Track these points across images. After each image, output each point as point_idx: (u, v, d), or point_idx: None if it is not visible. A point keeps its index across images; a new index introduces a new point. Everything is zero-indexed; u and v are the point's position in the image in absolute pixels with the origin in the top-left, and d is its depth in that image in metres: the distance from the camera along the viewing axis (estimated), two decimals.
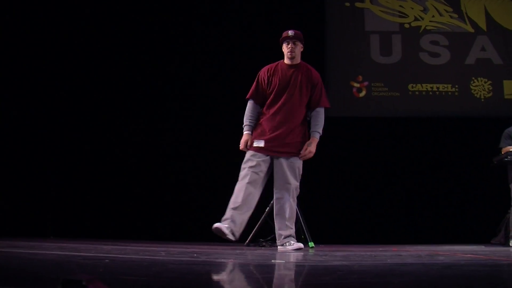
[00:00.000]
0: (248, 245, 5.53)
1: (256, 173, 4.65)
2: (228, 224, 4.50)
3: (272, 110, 4.77)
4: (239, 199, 4.57)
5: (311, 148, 4.74)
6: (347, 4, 7.60)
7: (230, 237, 4.48)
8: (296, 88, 4.78)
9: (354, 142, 7.27)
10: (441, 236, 6.79)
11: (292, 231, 4.73)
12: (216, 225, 4.47)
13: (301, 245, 4.74)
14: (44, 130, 7.09)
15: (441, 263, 3.03)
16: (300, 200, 5.44)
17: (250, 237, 5.57)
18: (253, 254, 3.91)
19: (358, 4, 7.60)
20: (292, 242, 4.67)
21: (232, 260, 3.22)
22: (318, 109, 4.84)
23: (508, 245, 5.86)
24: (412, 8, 7.60)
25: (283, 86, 4.78)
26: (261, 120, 4.81)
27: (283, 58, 4.90)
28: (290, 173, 4.69)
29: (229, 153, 5.30)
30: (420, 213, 7.01)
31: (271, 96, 4.80)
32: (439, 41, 7.54)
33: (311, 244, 5.28)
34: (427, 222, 6.97)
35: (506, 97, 7.40)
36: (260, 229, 5.50)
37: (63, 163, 7.10)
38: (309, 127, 4.88)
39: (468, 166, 7.06)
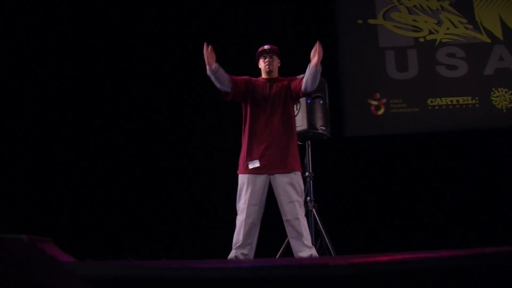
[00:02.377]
0: None
1: (254, 204, 4.49)
2: None
3: (258, 128, 4.59)
4: (240, 237, 4.48)
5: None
6: (360, 21, 7.47)
7: None
8: (279, 100, 4.61)
9: (375, 161, 7.07)
10: None
11: (312, 250, 4.52)
12: None
13: None
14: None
15: None
16: (323, 219, 5.26)
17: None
18: None
19: (370, 21, 7.47)
20: None
21: None
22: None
23: None
24: (426, 22, 7.46)
25: (265, 100, 4.62)
26: (248, 139, 4.62)
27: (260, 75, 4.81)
28: (292, 190, 4.50)
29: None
30: (447, 233, 6.74)
31: (253, 112, 4.63)
32: (456, 53, 7.37)
33: None
34: (453, 239, 6.70)
35: None
36: (285, 251, 5.27)
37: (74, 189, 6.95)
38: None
39: (494, 178, 6.83)
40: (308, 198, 5.28)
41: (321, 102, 5.42)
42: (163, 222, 6.85)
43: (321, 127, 5.39)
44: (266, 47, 4.79)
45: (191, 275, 1.85)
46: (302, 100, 5.31)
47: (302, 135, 5.34)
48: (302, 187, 4.66)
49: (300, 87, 4.58)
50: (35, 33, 7.10)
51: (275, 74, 4.78)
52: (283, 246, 5.21)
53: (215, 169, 6.75)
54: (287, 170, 4.54)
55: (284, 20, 7.31)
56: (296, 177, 4.57)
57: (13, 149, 6.73)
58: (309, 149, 5.48)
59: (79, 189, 6.92)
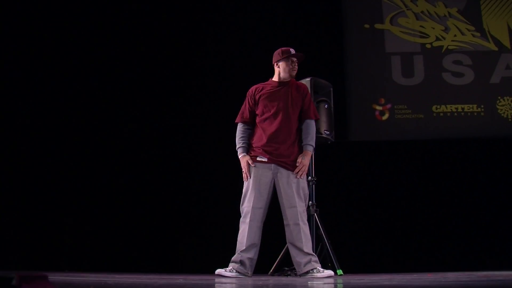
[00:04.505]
0: (272, 274, 5.26)
1: (259, 207, 4.52)
2: (234, 267, 4.47)
3: (266, 129, 4.64)
4: (244, 240, 4.48)
5: (305, 161, 4.60)
6: (367, 25, 7.43)
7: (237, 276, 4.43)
8: (287, 103, 4.64)
9: (379, 167, 7.03)
10: (474, 263, 6.46)
11: (311, 256, 4.48)
12: (217, 271, 4.49)
13: (331, 272, 4.48)
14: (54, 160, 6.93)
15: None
16: (325, 224, 5.22)
17: (274, 266, 5.31)
18: (279, 282, 3.64)
19: (377, 26, 7.43)
20: (320, 269, 4.41)
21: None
22: (308, 121, 4.69)
23: None
24: (433, 28, 7.42)
25: (273, 102, 4.66)
26: (256, 139, 4.70)
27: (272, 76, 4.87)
28: (295, 194, 4.50)
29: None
30: (451, 239, 6.70)
31: (263, 114, 4.67)
32: (462, 60, 7.32)
33: (339, 271, 4.99)
34: (459, 248, 6.65)
35: None
36: (285, 257, 5.22)
37: (79, 195, 6.91)
38: None
39: (499, 188, 6.78)
40: (310, 202, 5.24)
41: (326, 106, 5.38)
42: (165, 226, 6.85)
43: (325, 131, 5.36)
44: (295, 52, 4.79)
45: None
46: None
47: None
48: (307, 192, 4.66)
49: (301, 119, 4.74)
50: (34, 33, 7.08)
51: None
52: (283, 251, 5.18)
53: (216, 173, 6.75)
54: (291, 167, 4.55)
55: (291, 22, 7.28)
56: (301, 181, 4.56)
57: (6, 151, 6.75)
58: (313, 153, 5.42)
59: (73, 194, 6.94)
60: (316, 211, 5.26)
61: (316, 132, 5.23)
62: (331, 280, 3.95)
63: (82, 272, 5.60)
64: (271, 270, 5.30)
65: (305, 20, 7.31)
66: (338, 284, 3.35)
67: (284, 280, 4.03)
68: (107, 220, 6.83)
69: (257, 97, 4.72)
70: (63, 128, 7.01)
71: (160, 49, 7.28)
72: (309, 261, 4.44)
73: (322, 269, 4.44)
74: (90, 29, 7.19)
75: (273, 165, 4.54)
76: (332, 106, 5.51)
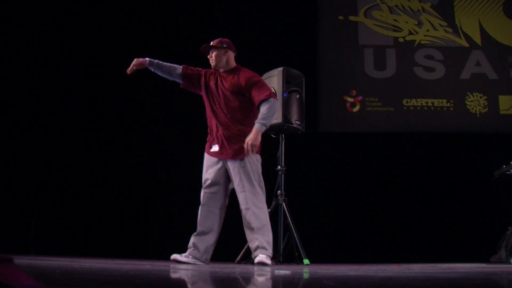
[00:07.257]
0: (239, 262, 5.26)
1: (211, 192, 4.51)
2: (190, 252, 4.44)
3: (210, 117, 4.65)
4: (198, 224, 4.48)
5: (250, 139, 4.35)
6: (341, 17, 7.48)
7: (194, 262, 4.40)
8: (226, 92, 4.57)
9: (348, 158, 7.10)
10: (437, 255, 6.58)
11: (259, 241, 4.42)
12: (172, 256, 4.43)
13: (266, 260, 4.41)
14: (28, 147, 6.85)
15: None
16: (293, 213, 5.23)
17: (241, 254, 5.31)
18: (246, 270, 3.66)
19: (351, 18, 7.47)
20: (261, 254, 4.36)
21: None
22: (262, 103, 4.46)
23: (509, 263, 5.66)
24: (407, 22, 7.49)
25: (212, 91, 4.64)
26: (208, 126, 4.67)
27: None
28: (244, 178, 4.44)
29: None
30: (415, 231, 6.80)
31: (206, 102, 4.68)
32: (434, 55, 7.41)
33: (305, 261, 5.02)
34: (423, 240, 6.77)
35: (501, 112, 7.27)
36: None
37: (46, 179, 6.85)
38: None
39: (464, 182, 6.90)
40: (279, 192, 5.25)
41: (297, 96, 5.38)
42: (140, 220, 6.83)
43: (296, 121, 5.36)
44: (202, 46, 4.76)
45: None
46: (278, 94, 5.25)
47: (277, 129, 5.30)
48: (259, 171, 4.57)
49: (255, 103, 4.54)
50: (32, 33, 7.00)
51: (221, 66, 4.70)
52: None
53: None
54: (237, 156, 4.48)
55: (265, 11, 7.27)
56: (250, 164, 4.49)
57: None
58: (283, 142, 5.44)
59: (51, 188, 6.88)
60: (284, 201, 5.27)
61: (286, 122, 5.25)
62: (297, 269, 3.97)
63: (48, 256, 5.56)
64: (238, 258, 5.31)
65: (280, 10, 7.31)
66: (304, 274, 3.37)
67: (250, 268, 4.05)
68: (75, 205, 6.79)
69: (205, 77, 4.72)
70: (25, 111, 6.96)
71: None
72: (256, 247, 4.39)
73: (262, 254, 4.39)
74: (83, 27, 7.14)
75: (222, 161, 4.55)
76: (304, 96, 5.52)
